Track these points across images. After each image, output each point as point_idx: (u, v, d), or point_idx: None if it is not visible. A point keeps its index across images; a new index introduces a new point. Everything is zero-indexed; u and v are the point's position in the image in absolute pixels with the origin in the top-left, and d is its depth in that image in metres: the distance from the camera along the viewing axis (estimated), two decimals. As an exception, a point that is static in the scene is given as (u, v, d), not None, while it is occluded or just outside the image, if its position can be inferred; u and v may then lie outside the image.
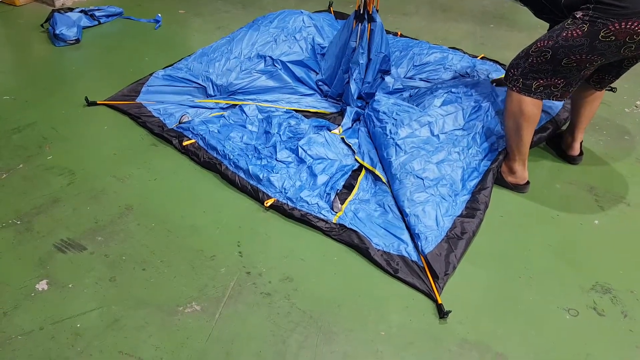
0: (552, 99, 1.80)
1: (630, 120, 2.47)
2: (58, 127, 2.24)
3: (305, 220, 1.78)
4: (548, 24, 1.87)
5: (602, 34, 1.58)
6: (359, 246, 1.68)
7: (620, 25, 1.54)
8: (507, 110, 1.88)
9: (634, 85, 2.69)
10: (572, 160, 2.15)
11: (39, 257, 1.63)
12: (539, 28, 1.95)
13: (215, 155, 2.04)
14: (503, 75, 2.05)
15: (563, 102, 2.29)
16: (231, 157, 2.00)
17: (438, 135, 2.06)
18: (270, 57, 2.50)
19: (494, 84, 2.30)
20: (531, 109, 1.81)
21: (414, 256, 1.66)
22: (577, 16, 1.62)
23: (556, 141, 2.21)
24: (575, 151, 2.14)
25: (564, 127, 2.22)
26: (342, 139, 2.15)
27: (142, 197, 1.88)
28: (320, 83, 2.51)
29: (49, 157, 2.06)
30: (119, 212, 1.81)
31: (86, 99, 2.37)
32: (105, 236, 1.71)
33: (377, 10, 2.23)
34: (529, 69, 1.77)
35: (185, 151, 2.09)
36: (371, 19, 2.22)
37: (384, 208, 1.85)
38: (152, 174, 2.00)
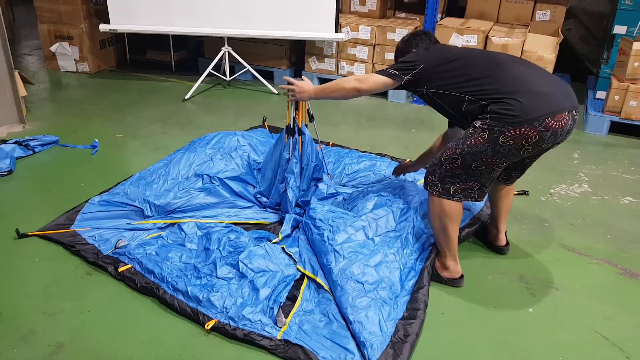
0: (471, 200, 1.94)
1: (547, 208, 2.70)
2: (-17, 265, 2.13)
3: (249, 340, 1.74)
4: None
5: (501, 139, 1.76)
6: (305, 362, 1.65)
7: (515, 131, 1.73)
8: (430, 212, 2.01)
9: (546, 175, 2.99)
10: (500, 250, 2.29)
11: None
12: (455, 130, 2.17)
13: (152, 279, 1.99)
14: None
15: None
16: (169, 279, 1.97)
17: (373, 238, 2.15)
18: (207, 175, 2.58)
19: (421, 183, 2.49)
20: (453, 209, 1.94)
21: (361, 366, 1.64)
22: (477, 125, 1.80)
23: (483, 234, 2.36)
24: (502, 242, 2.28)
25: (489, 221, 2.39)
26: (283, 248, 2.18)
27: (74, 332, 1.77)
28: (258, 195, 2.60)
29: (-29, 300, 1.93)
30: (49, 353, 1.68)
31: (17, 231, 2.29)
32: (30, 383, 1.57)
33: (307, 125, 2.42)
34: (444, 174, 1.91)
35: (122, 278, 2.03)
36: (301, 132, 2.39)
37: (329, 317, 1.85)
38: (85, 305, 1.91)
